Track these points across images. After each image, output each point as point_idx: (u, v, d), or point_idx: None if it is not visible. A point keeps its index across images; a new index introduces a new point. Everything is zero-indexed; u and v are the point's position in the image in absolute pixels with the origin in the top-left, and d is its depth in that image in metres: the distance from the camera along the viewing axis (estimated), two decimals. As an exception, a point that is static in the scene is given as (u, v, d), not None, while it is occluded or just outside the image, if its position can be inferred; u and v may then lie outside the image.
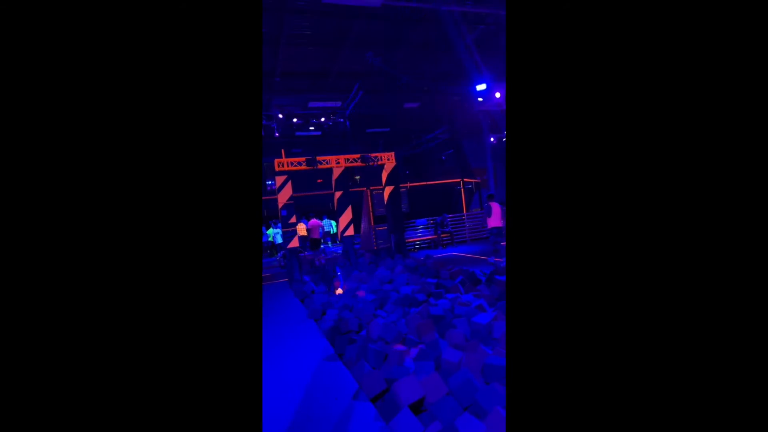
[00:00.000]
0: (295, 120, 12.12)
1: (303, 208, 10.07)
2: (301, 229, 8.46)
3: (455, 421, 2.04)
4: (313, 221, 8.80)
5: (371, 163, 8.32)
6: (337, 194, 8.04)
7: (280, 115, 11.77)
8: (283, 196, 7.49)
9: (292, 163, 7.63)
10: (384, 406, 2.34)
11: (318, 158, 7.73)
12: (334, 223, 11.38)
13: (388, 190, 8.68)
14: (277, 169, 7.50)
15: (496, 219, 7.16)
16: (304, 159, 7.69)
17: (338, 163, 8.07)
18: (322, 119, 12.39)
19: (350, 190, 8.09)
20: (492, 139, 13.75)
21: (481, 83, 9.93)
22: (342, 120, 11.88)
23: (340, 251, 8.69)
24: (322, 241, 9.41)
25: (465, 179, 12.82)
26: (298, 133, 13.28)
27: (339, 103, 12.50)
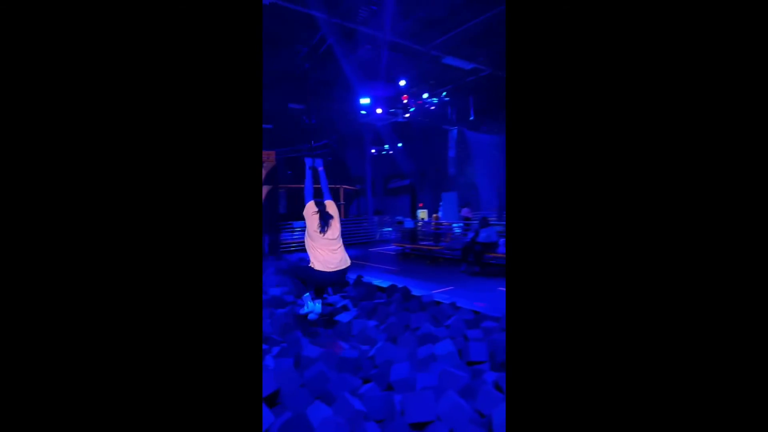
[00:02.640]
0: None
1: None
2: None
3: (305, 409, 2.22)
4: None
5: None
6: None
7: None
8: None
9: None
10: (237, 403, 2.37)
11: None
12: None
13: (265, 189, 8.46)
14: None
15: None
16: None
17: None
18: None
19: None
20: (373, 151, 14.59)
21: (364, 97, 10.51)
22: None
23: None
24: None
25: (345, 186, 13.28)
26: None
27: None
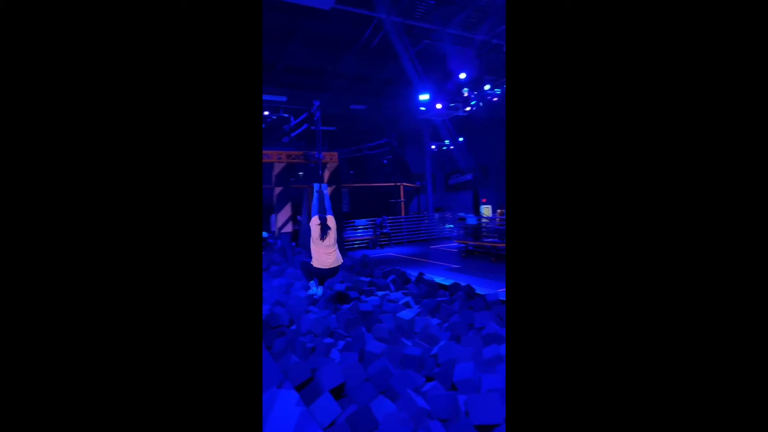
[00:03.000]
0: (236, 111, 11.74)
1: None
2: None
3: (370, 403, 2.27)
4: None
5: (314, 161, 8.39)
6: (277, 190, 7.98)
7: (221, 105, 11.35)
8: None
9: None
10: (307, 393, 2.50)
11: (259, 153, 7.62)
12: None
13: (329, 189, 8.79)
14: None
15: None
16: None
17: (280, 158, 8.01)
18: (266, 113, 12.16)
19: (291, 186, 8.06)
20: (433, 147, 14.42)
21: (423, 93, 10.43)
22: (287, 115, 11.75)
23: (278, 247, 8.61)
24: None
25: (405, 183, 13.31)
26: (239, 125, 12.87)
27: (285, 98, 12.35)
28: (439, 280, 5.45)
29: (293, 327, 3.94)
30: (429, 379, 2.76)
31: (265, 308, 4.38)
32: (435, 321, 3.71)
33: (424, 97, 10.57)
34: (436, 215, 13.30)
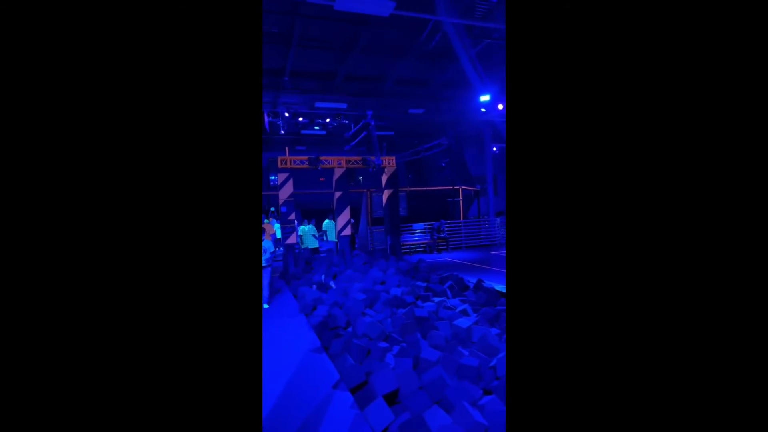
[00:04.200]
0: (300, 119, 12.36)
1: (303, 205, 10.22)
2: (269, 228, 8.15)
3: (424, 413, 2.21)
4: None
5: (372, 166, 8.51)
6: (337, 194, 8.23)
7: (286, 113, 12.02)
8: (284, 193, 7.68)
9: (295, 161, 7.82)
10: (361, 396, 2.51)
11: (321, 158, 7.94)
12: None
13: (387, 193, 8.86)
14: (279, 166, 7.70)
15: None
16: (307, 158, 7.90)
17: (340, 164, 8.26)
18: (327, 120, 12.65)
19: (350, 191, 8.26)
20: (494, 149, 13.93)
21: (484, 94, 10.12)
22: (347, 122, 12.10)
23: (339, 249, 8.86)
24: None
25: (464, 187, 13.00)
26: (303, 132, 13.51)
27: (345, 105, 12.74)
28: (499, 287, 5.21)
29: (349, 329, 4.00)
30: (487, 392, 2.63)
31: (324, 309, 4.51)
32: (494, 331, 3.54)
33: (485, 98, 10.26)
34: (498, 219, 12.79)
